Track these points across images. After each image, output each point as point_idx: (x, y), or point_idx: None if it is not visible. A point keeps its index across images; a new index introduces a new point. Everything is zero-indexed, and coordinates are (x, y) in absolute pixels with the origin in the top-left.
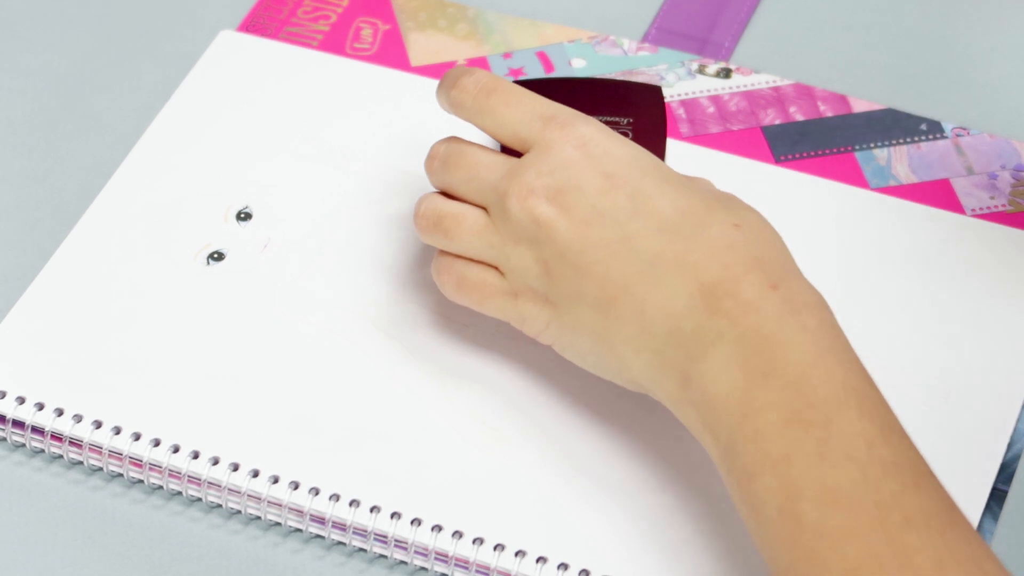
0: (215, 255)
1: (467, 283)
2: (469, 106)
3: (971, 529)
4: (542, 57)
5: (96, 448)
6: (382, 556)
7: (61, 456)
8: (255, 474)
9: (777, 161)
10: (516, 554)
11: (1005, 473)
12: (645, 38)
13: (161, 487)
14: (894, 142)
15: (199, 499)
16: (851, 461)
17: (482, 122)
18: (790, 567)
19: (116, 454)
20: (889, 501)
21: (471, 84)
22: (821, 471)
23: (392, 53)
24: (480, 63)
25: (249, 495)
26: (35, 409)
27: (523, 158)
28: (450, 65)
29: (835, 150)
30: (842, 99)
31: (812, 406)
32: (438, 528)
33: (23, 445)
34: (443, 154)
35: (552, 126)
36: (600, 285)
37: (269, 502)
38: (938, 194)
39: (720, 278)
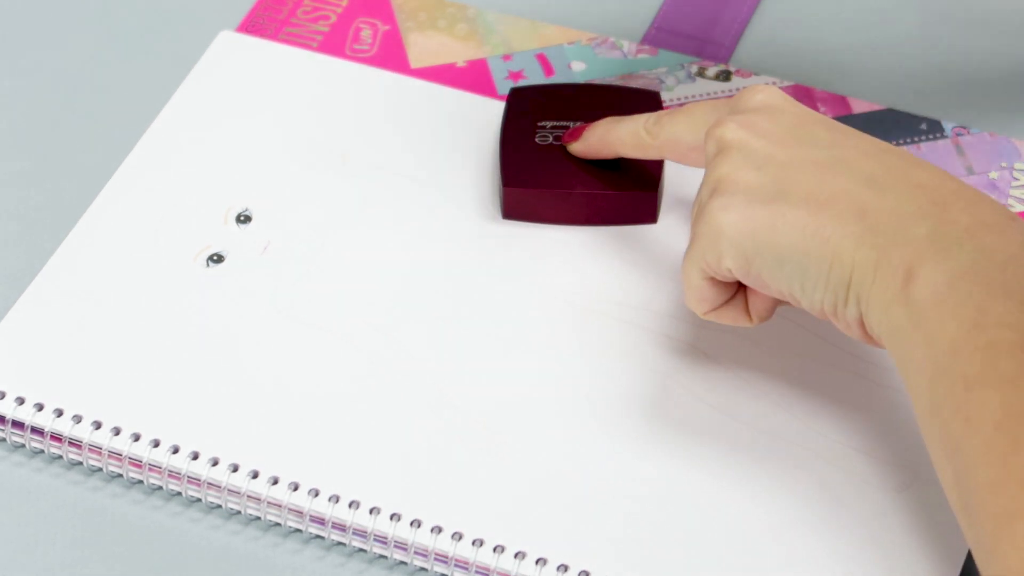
0: (215, 257)
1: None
2: (644, 134)
3: None
4: (541, 60)
5: (96, 449)
6: (382, 557)
7: (61, 456)
8: (255, 475)
9: None
10: (516, 555)
11: None
12: (645, 39)
13: (161, 488)
14: (894, 142)
15: (199, 500)
16: None
17: (665, 134)
18: (995, 483)
19: (116, 455)
20: None
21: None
22: None
23: (391, 54)
24: (480, 65)
25: (249, 496)
26: (35, 410)
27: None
28: (450, 66)
29: None
30: (842, 100)
31: None
32: (438, 529)
33: (23, 446)
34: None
35: (739, 92)
36: (810, 190)
37: (269, 503)
38: None
39: (954, 197)
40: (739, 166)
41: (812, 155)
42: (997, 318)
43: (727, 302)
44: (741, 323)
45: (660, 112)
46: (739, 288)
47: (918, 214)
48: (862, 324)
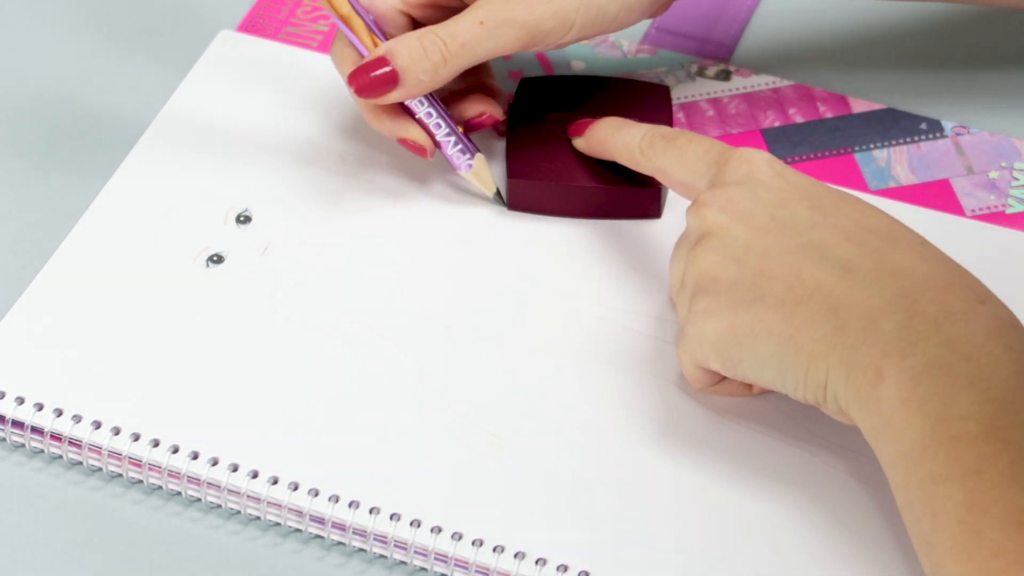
0: (215, 257)
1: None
2: (638, 153)
3: None
4: (541, 59)
5: (96, 448)
6: (382, 556)
7: (60, 456)
8: (255, 475)
9: None
10: (515, 555)
11: None
12: (645, 38)
13: (160, 488)
14: (894, 142)
15: (198, 499)
16: None
17: (655, 163)
18: None
19: (116, 454)
20: None
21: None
22: (1011, 492)
23: None
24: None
25: (249, 496)
26: (34, 409)
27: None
28: None
29: (835, 152)
30: (842, 99)
31: (1012, 427)
32: (438, 529)
33: (23, 445)
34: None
35: (729, 153)
36: (787, 285)
37: (269, 503)
38: (938, 195)
39: (924, 286)
40: (720, 260)
41: (791, 242)
42: (961, 411)
43: (725, 379)
44: (742, 395)
45: (656, 133)
46: None
47: (888, 308)
48: (846, 415)
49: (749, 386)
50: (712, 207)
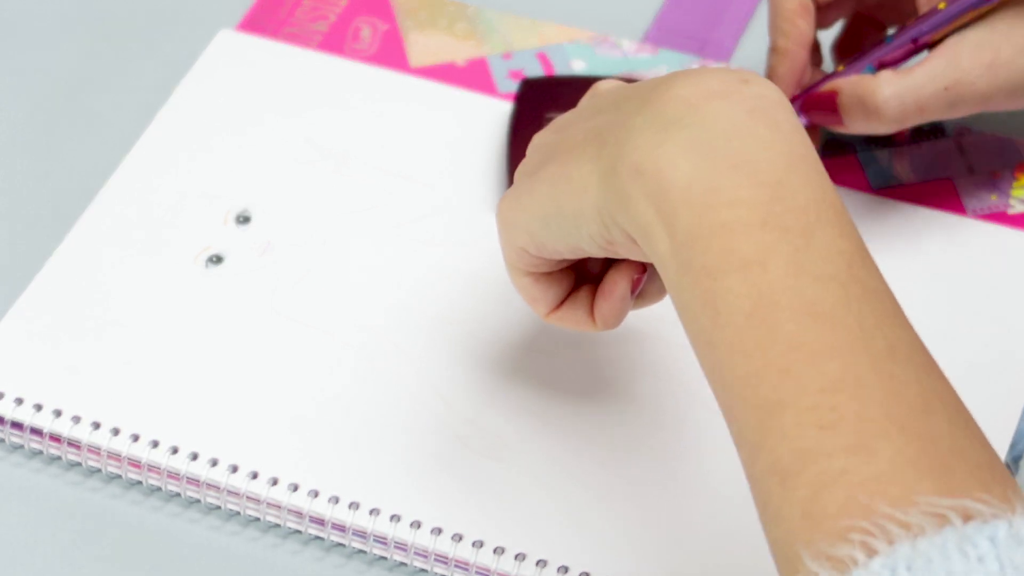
0: (214, 258)
1: None
2: None
3: (946, 378)
4: (542, 59)
5: (95, 450)
6: (382, 558)
7: (60, 457)
8: (254, 476)
9: None
10: (516, 557)
11: None
12: (646, 37)
13: (160, 489)
14: (896, 141)
15: (198, 501)
16: (832, 279)
17: None
18: (752, 376)
19: (115, 456)
20: (872, 325)
21: None
22: (799, 282)
23: (391, 53)
24: (480, 64)
25: (248, 497)
26: (34, 410)
27: None
28: (450, 65)
29: (837, 152)
30: None
31: (790, 211)
32: (438, 531)
33: (22, 446)
34: None
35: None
36: (578, 135)
37: (268, 504)
38: (940, 194)
39: (684, 79)
40: (527, 159)
41: (585, 117)
42: (730, 196)
43: (567, 304)
44: (585, 327)
45: None
46: (579, 290)
47: (638, 107)
48: (633, 240)
49: (591, 315)
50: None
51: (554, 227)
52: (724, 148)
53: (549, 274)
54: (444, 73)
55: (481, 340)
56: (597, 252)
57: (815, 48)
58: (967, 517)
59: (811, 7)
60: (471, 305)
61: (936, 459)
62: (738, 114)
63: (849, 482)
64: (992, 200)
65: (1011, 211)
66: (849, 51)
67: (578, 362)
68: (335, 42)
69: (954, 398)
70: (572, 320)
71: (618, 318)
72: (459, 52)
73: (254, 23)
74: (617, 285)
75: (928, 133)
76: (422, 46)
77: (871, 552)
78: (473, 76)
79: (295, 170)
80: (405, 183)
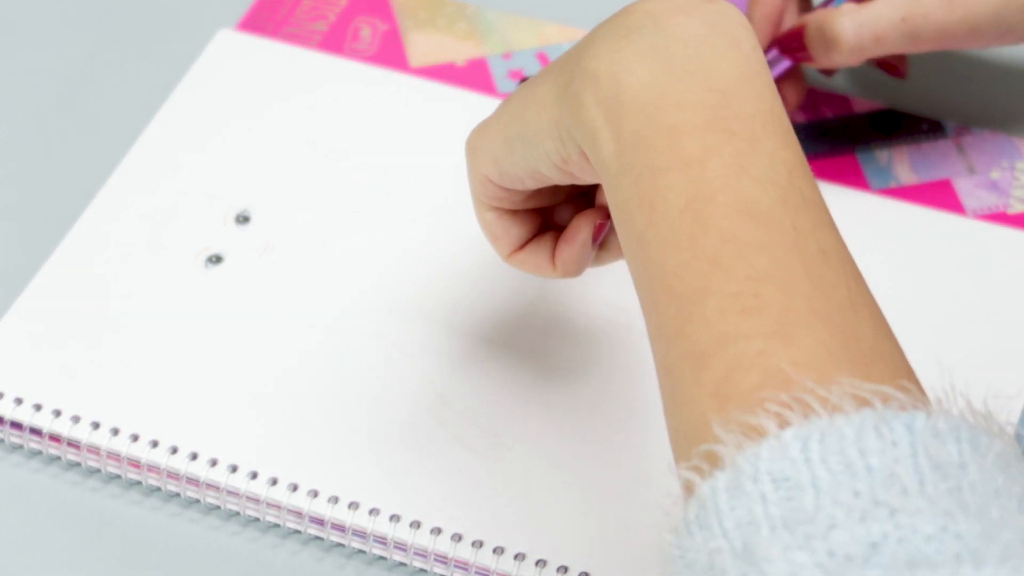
0: (214, 258)
1: None
2: None
3: (876, 299)
4: (542, 59)
5: (94, 450)
6: (381, 558)
7: (59, 457)
8: (254, 476)
9: None
10: (515, 557)
11: None
12: None
13: (160, 489)
14: (895, 142)
15: (197, 501)
16: (772, 183)
17: None
18: (680, 266)
19: (114, 456)
20: (807, 230)
21: None
22: (739, 182)
23: (391, 53)
24: (480, 64)
25: (248, 497)
26: (33, 410)
27: None
28: (450, 65)
29: (836, 152)
30: (843, 99)
31: (737, 117)
32: (438, 531)
33: (21, 446)
34: None
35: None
36: (551, 69)
37: (268, 504)
38: (939, 194)
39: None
40: None
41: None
42: (679, 99)
43: (529, 246)
44: (545, 272)
45: None
46: (543, 235)
47: (606, 23)
48: (587, 158)
49: (552, 261)
50: None
51: (517, 149)
52: (680, 55)
53: (514, 213)
54: (444, 73)
55: (482, 341)
56: (554, 174)
57: None
58: (887, 402)
59: None
60: (472, 305)
61: (857, 355)
62: (698, 27)
63: (766, 363)
64: (992, 200)
65: (1011, 211)
66: None
67: (580, 362)
68: (335, 42)
69: (881, 314)
70: (532, 263)
71: (578, 265)
72: (459, 52)
73: (254, 23)
74: (580, 230)
75: (928, 133)
76: (422, 46)
77: (784, 423)
78: (473, 76)
79: (295, 170)
80: (405, 183)
